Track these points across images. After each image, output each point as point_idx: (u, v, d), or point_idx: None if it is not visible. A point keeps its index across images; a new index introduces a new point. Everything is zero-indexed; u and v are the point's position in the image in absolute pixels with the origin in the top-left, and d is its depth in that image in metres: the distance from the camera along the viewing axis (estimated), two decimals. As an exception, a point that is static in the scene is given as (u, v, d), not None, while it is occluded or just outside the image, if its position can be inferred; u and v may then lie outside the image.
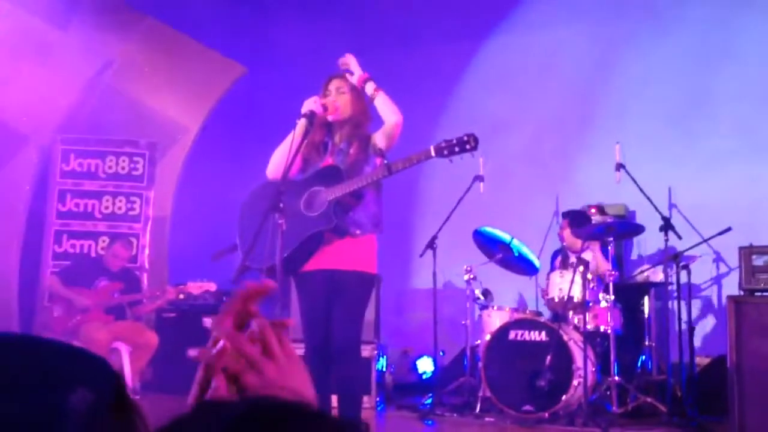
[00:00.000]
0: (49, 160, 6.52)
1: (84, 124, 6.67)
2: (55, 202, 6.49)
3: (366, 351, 5.15)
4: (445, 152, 3.18)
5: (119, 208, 6.60)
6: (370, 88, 3.42)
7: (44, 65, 6.02)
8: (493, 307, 5.35)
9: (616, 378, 4.74)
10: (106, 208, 6.58)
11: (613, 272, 5.00)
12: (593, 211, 5.72)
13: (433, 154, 3.19)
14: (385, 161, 3.25)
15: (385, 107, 3.39)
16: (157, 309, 5.94)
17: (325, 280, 3.35)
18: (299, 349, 5.16)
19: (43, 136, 6.47)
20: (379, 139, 3.41)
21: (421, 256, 5.69)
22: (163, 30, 6.88)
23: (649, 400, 4.73)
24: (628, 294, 5.53)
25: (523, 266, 5.58)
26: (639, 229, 5.21)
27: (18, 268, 6.27)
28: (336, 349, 3.31)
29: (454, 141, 3.19)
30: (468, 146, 3.18)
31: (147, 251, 6.58)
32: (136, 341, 5.44)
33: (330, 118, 3.41)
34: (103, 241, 6.38)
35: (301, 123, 3.32)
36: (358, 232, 3.33)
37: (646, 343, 5.34)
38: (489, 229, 5.52)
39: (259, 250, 3.12)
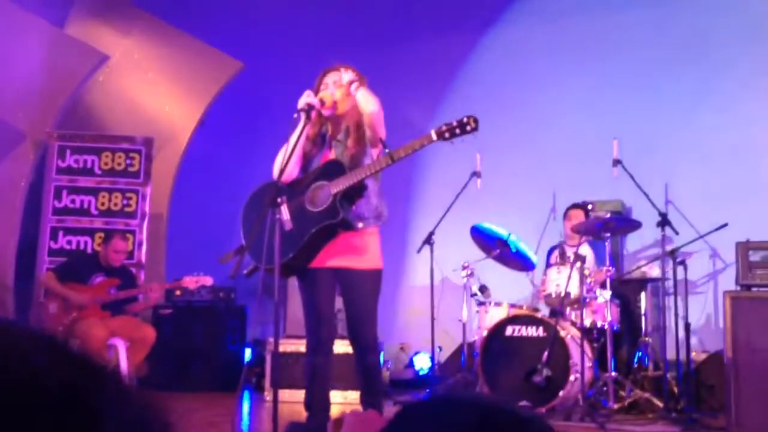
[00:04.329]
0: (45, 157, 6.50)
1: (80, 121, 6.65)
2: (51, 198, 6.46)
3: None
4: (446, 135, 3.15)
5: (115, 205, 6.57)
6: (354, 87, 3.37)
7: (41, 61, 6.00)
8: (490, 303, 5.35)
9: (613, 373, 4.75)
10: (102, 204, 6.55)
11: (610, 268, 5.01)
12: (590, 207, 5.72)
13: (434, 137, 3.16)
14: (386, 150, 3.23)
15: (365, 99, 3.34)
16: (152, 306, 5.94)
17: (333, 278, 3.38)
18: (300, 345, 5.13)
19: (39, 133, 6.45)
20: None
21: (418, 252, 5.70)
22: (159, 26, 6.87)
23: (645, 395, 4.74)
24: (625, 290, 5.55)
25: (520, 262, 5.58)
26: (635, 225, 5.22)
27: (14, 265, 6.25)
28: (361, 347, 3.37)
29: (455, 123, 3.17)
30: (468, 127, 3.15)
31: (144, 247, 6.57)
32: (133, 336, 5.42)
33: (326, 112, 3.39)
34: (99, 237, 6.36)
35: (300, 118, 3.30)
36: (360, 225, 3.33)
37: (643, 338, 5.36)
38: (486, 225, 5.52)
39: (267, 249, 3.11)
